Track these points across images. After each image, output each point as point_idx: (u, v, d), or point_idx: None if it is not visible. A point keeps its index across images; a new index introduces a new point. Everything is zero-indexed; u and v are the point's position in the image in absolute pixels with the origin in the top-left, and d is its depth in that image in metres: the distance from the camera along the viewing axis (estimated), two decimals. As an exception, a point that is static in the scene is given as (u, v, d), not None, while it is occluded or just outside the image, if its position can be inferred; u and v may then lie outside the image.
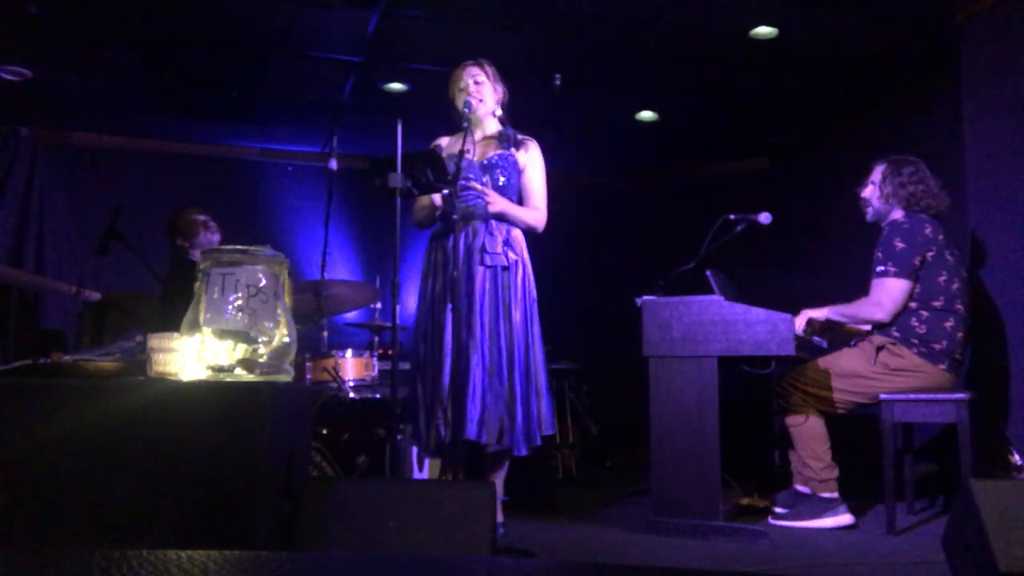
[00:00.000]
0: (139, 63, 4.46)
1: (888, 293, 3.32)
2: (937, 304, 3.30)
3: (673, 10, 3.87)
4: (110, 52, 4.32)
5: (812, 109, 5.18)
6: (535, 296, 3.18)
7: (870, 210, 3.54)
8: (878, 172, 3.52)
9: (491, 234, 3.11)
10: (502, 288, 3.08)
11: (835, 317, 3.43)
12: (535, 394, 3.07)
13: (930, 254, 3.31)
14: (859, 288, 3.54)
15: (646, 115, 5.32)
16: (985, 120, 3.71)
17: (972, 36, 3.78)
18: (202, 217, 4.23)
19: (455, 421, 2.88)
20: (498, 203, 3.11)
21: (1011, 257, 3.54)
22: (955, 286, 3.32)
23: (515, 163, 3.21)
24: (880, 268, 3.34)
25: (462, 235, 3.08)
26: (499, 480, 3.10)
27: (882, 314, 3.34)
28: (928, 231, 3.33)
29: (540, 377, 3.10)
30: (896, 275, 3.30)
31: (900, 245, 3.32)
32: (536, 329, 3.15)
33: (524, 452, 3.01)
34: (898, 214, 3.44)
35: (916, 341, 3.29)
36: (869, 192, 3.53)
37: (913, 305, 3.32)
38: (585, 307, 6.18)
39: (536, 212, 3.23)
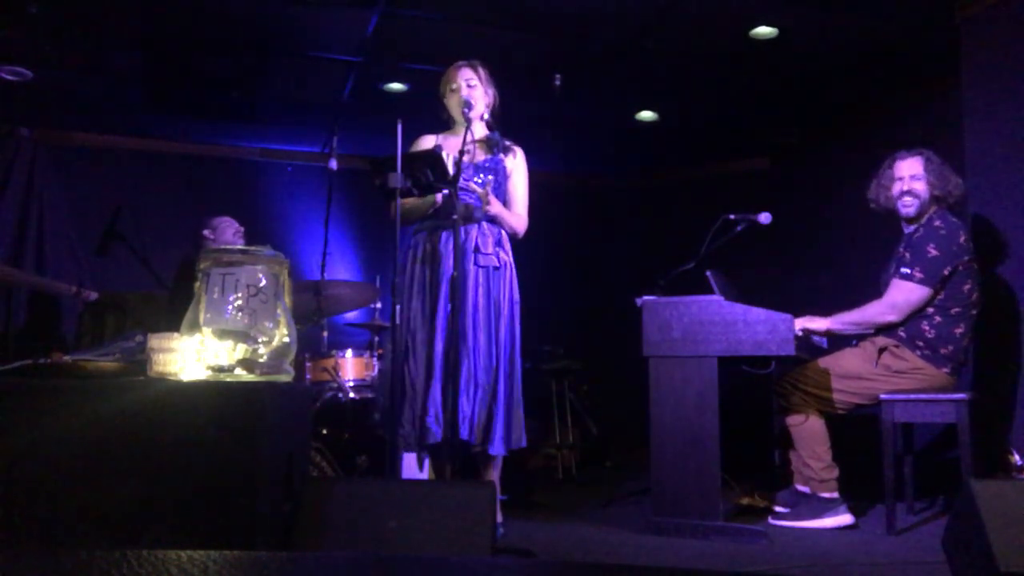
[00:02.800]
0: (139, 63, 4.46)
1: (907, 297, 3.25)
2: (955, 311, 3.25)
3: (673, 10, 3.87)
4: (110, 52, 4.32)
5: (812, 109, 5.18)
6: (519, 299, 3.20)
7: (916, 203, 3.35)
8: (919, 165, 3.36)
9: (484, 234, 3.12)
10: (493, 288, 3.10)
11: (839, 328, 3.36)
12: (517, 396, 3.09)
13: (962, 265, 3.25)
14: (859, 289, 3.54)
15: (646, 115, 5.32)
16: (985, 119, 3.70)
17: (972, 35, 3.78)
18: (235, 224, 4.24)
19: (448, 419, 2.89)
20: (496, 205, 3.13)
21: (1011, 256, 3.54)
22: (975, 295, 3.28)
23: (504, 169, 3.24)
24: (905, 270, 3.26)
25: (454, 234, 3.08)
26: (496, 479, 3.10)
27: (895, 316, 3.28)
28: (962, 239, 3.26)
29: (518, 380, 3.13)
30: (921, 282, 3.23)
31: (933, 252, 3.23)
32: (518, 332, 3.17)
33: (503, 451, 3.02)
34: (935, 214, 3.34)
35: (921, 344, 3.27)
36: (921, 188, 3.34)
37: (930, 311, 3.27)
38: (585, 307, 6.18)
39: (521, 218, 3.27)
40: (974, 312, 3.30)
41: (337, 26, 4.07)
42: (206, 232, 4.20)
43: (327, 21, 4.02)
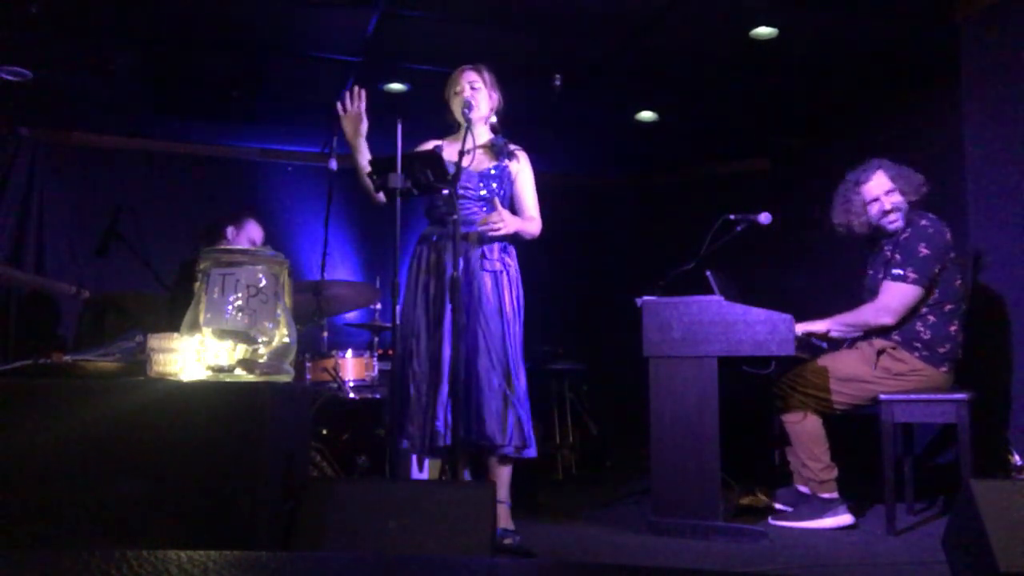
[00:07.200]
0: (139, 63, 4.46)
1: (902, 299, 3.25)
2: (948, 308, 3.27)
3: (673, 10, 3.87)
4: (110, 52, 4.32)
5: (812, 109, 5.18)
6: (523, 303, 3.20)
7: (900, 216, 3.33)
8: (885, 178, 3.35)
9: (490, 242, 3.11)
10: (503, 291, 3.09)
11: (838, 330, 3.35)
12: (527, 399, 3.09)
13: (949, 262, 3.27)
14: (858, 290, 3.53)
15: (646, 115, 5.31)
16: (985, 120, 3.71)
17: (972, 36, 3.78)
18: (259, 229, 4.18)
19: (460, 422, 2.87)
20: (510, 225, 3.08)
21: (1011, 257, 3.54)
22: (964, 289, 3.32)
23: (509, 175, 3.22)
24: (898, 272, 3.26)
25: (461, 241, 3.08)
26: (504, 484, 3.07)
27: (890, 319, 3.28)
28: (948, 236, 3.28)
29: (524, 385, 3.11)
30: (915, 282, 3.23)
31: (924, 251, 3.24)
32: (521, 336, 3.16)
33: (534, 454, 3.02)
34: (917, 215, 3.34)
35: (919, 345, 3.27)
36: (899, 200, 3.33)
37: (924, 310, 3.27)
38: (585, 307, 6.17)
39: (536, 222, 3.25)
40: (964, 307, 3.32)
41: (337, 26, 4.07)
42: (229, 229, 4.12)
43: (327, 21, 4.02)
